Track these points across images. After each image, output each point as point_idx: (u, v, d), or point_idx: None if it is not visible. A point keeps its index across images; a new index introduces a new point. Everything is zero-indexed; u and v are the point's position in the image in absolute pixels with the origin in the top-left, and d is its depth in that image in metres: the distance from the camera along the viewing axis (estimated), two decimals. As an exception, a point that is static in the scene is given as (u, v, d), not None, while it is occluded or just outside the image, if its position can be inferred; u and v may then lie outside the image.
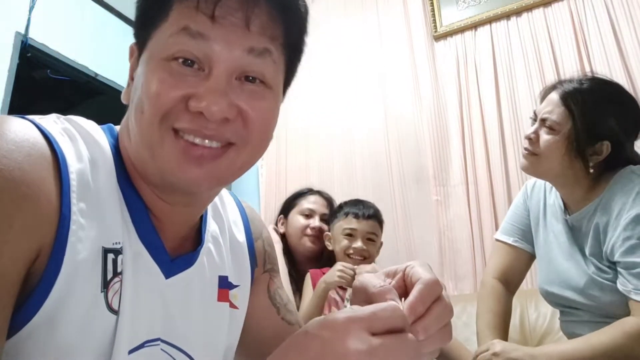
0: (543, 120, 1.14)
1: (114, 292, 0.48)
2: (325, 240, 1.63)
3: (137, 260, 0.52)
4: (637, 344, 0.95)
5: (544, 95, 1.19)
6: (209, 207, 0.65)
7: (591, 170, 1.10)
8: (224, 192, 0.72)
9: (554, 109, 1.12)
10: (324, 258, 1.66)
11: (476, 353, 1.09)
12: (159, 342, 0.53)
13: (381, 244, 1.62)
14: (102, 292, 0.47)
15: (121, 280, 0.49)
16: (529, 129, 1.18)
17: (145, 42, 0.52)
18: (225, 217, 0.68)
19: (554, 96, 1.14)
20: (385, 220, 1.66)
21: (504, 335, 1.20)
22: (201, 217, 0.63)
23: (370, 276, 0.46)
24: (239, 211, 0.72)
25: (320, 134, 2.64)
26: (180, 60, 0.49)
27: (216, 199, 0.67)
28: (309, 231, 1.71)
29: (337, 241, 1.57)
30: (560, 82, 1.17)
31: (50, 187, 0.45)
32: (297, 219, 1.76)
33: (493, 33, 2.33)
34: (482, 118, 2.23)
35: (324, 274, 1.49)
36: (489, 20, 2.35)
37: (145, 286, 0.52)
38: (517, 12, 2.30)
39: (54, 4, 2.55)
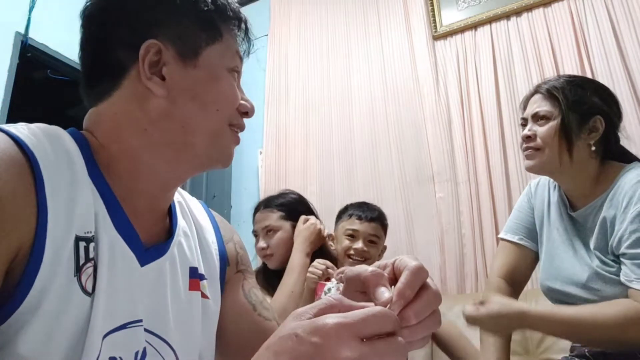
0: (534, 116, 1.20)
1: (87, 276, 0.51)
2: (329, 240, 1.65)
3: (114, 248, 0.55)
4: (628, 325, 0.95)
5: (526, 101, 1.26)
6: (177, 207, 0.70)
7: (593, 148, 1.14)
8: (191, 199, 0.77)
9: (541, 102, 1.20)
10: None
11: (474, 305, 1.06)
12: (141, 323, 0.56)
13: (385, 247, 1.63)
14: (75, 276, 0.50)
15: (94, 266, 0.52)
16: (523, 132, 1.22)
17: (196, 50, 0.63)
18: (193, 217, 0.73)
19: (537, 96, 1.23)
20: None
21: (507, 337, 1.20)
22: (170, 213, 0.68)
23: (362, 265, 0.50)
24: (207, 215, 0.78)
25: (320, 134, 2.64)
26: (234, 72, 0.66)
27: (182, 202, 0.73)
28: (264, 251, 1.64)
29: (339, 241, 1.61)
30: (538, 86, 1.26)
31: (26, 187, 0.47)
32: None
33: (493, 33, 2.33)
34: (482, 118, 2.23)
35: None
36: (489, 20, 2.35)
37: (122, 272, 0.55)
38: (517, 12, 2.30)
39: (54, 4, 2.55)
